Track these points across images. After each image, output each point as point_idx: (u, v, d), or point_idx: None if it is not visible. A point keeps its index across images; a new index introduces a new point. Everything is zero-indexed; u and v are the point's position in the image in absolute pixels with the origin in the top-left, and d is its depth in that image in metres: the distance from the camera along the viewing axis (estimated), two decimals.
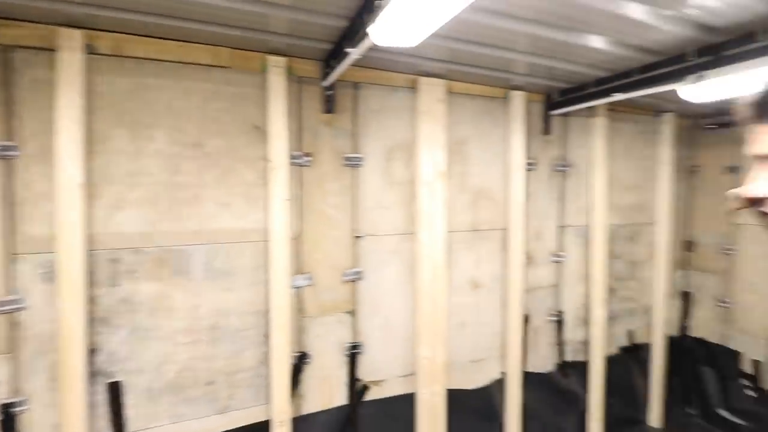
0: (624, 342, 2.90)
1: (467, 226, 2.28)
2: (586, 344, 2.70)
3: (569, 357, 2.66)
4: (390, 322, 2.11)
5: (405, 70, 2.01)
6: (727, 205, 1.14)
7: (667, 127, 2.84)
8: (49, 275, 1.49)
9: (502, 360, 2.41)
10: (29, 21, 1.43)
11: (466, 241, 2.28)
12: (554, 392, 2.64)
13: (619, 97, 1.99)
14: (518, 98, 2.31)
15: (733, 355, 2.93)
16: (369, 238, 2.04)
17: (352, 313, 2.03)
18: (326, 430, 1.98)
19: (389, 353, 2.11)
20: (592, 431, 2.67)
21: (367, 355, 2.05)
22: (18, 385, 1.48)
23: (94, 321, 1.57)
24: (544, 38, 1.64)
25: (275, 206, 1.76)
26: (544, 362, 2.59)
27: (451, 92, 2.15)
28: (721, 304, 2.97)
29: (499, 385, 2.41)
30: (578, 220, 2.64)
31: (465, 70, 2.00)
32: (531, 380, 2.49)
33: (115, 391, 1.60)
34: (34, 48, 1.45)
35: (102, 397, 1.59)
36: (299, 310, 1.91)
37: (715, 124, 2.94)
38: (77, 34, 1.47)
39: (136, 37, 1.57)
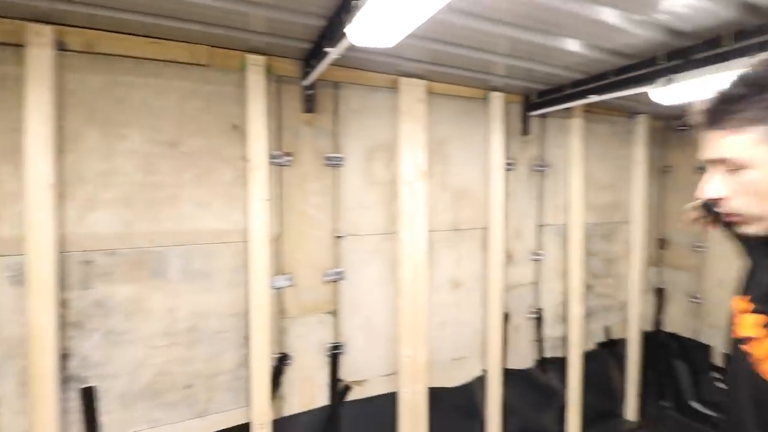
0: (601, 338, 2.98)
1: (448, 226, 2.31)
2: (564, 340, 2.76)
3: (548, 353, 2.71)
4: (371, 322, 2.11)
5: (385, 70, 2.01)
6: (685, 218, 1.19)
7: (641, 128, 2.93)
8: (19, 278, 1.44)
9: (483, 358, 2.44)
10: None
11: (447, 240, 2.31)
12: (534, 388, 2.69)
13: (594, 98, 2.04)
14: (497, 99, 2.35)
15: (705, 349, 3.03)
16: (350, 238, 2.04)
17: (333, 313, 2.02)
18: (308, 431, 1.97)
19: (371, 353, 2.12)
20: (570, 425, 2.73)
21: (348, 355, 2.05)
22: None
23: (66, 325, 1.52)
24: (522, 41, 1.67)
25: (255, 206, 1.75)
26: (524, 359, 2.64)
27: (431, 93, 2.16)
28: (693, 300, 3.07)
29: (480, 382, 2.44)
30: (556, 219, 2.70)
31: (445, 71, 2.02)
32: (511, 377, 2.53)
33: (88, 396, 1.56)
34: (2, 44, 1.40)
35: (75, 403, 1.55)
36: (280, 311, 1.90)
37: (686, 125, 3.04)
38: (47, 29, 1.43)
39: (109, 33, 1.54)
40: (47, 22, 1.43)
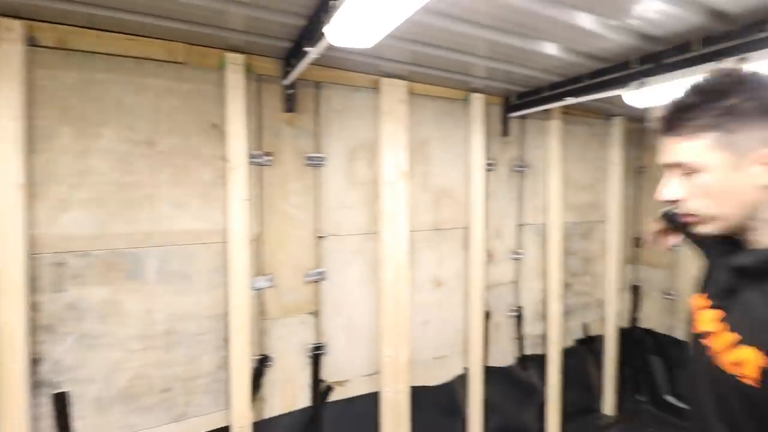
0: (579, 334, 3.04)
1: (430, 226, 2.32)
2: (544, 338, 2.81)
3: (528, 351, 2.76)
4: (353, 322, 2.11)
5: (367, 70, 2.02)
6: (649, 234, 1.26)
7: (617, 129, 3.00)
8: None
9: (465, 356, 2.47)
10: None
11: (428, 240, 2.32)
12: (515, 385, 2.73)
13: (571, 101, 2.09)
14: (478, 100, 2.38)
15: (679, 345, 3.12)
16: (332, 238, 2.04)
17: (315, 313, 2.01)
18: None
19: (353, 353, 2.12)
20: (550, 421, 2.78)
21: (330, 355, 2.05)
22: None
23: (37, 329, 1.48)
24: (501, 43, 1.70)
25: (234, 206, 1.73)
26: (504, 357, 2.68)
27: (412, 93, 2.18)
28: (667, 297, 3.17)
29: (461, 380, 2.46)
30: (536, 219, 2.75)
31: (426, 72, 2.04)
32: (492, 374, 2.56)
33: (60, 402, 1.52)
34: None
35: (47, 408, 1.50)
36: (260, 312, 1.88)
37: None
38: (17, 24, 1.38)
39: (83, 29, 1.50)
40: (17, 17, 1.39)
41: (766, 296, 0.68)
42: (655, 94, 1.69)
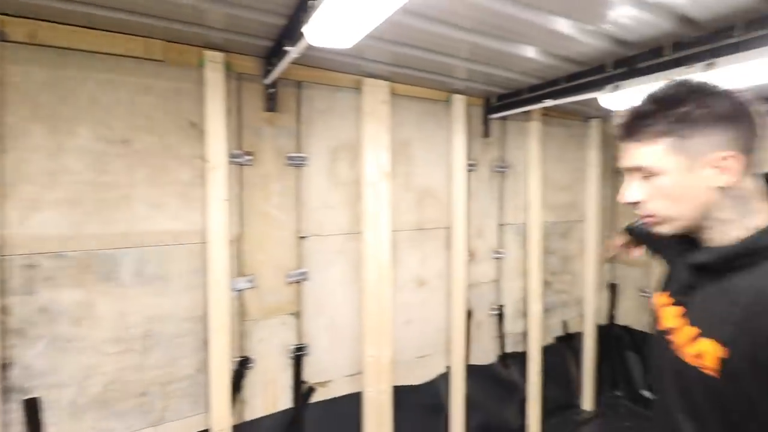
0: (559, 332, 3.10)
1: (412, 225, 2.34)
2: (524, 336, 2.86)
3: (509, 348, 2.80)
4: (336, 323, 2.11)
5: (349, 70, 2.02)
6: (613, 246, 1.38)
7: (595, 131, 3.08)
8: None
9: (447, 355, 2.49)
10: None
11: (411, 239, 2.34)
12: (496, 383, 2.76)
13: (549, 103, 2.13)
14: (459, 102, 2.40)
15: None
16: (314, 238, 2.03)
17: (296, 314, 2.00)
18: None
19: (335, 353, 2.11)
20: (530, 417, 2.82)
21: (312, 356, 2.04)
22: None
23: (6, 333, 1.43)
24: (482, 46, 1.72)
25: (213, 207, 1.70)
26: (486, 355, 2.71)
27: (394, 94, 2.19)
28: (643, 294, 3.25)
29: (444, 379, 2.48)
30: (516, 219, 2.79)
31: (408, 73, 2.05)
32: (474, 373, 2.59)
33: (32, 408, 1.47)
34: None
35: (17, 415, 1.46)
36: (241, 314, 1.86)
37: None
38: None
39: (56, 24, 1.46)
40: None
41: (722, 291, 0.72)
42: (630, 98, 1.73)
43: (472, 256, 2.58)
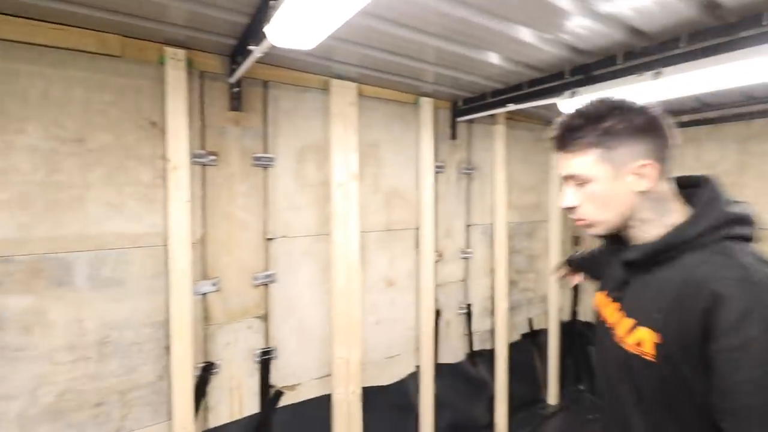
0: (525, 329, 3.20)
1: (381, 226, 2.35)
2: (492, 333, 2.93)
3: (477, 346, 2.86)
4: (304, 324, 2.09)
5: (317, 71, 2.01)
6: (557, 275, 1.52)
7: None
8: None
9: (416, 354, 2.52)
10: None
11: (380, 240, 2.35)
12: (465, 381, 2.81)
13: (512, 107, 2.20)
14: (427, 104, 2.44)
15: None
16: (281, 239, 2.01)
17: (263, 317, 1.97)
18: None
19: (304, 356, 2.09)
20: (498, 413, 2.89)
21: (280, 359, 2.01)
22: None
23: None
24: (448, 51, 1.76)
25: (175, 208, 1.65)
26: (455, 353, 2.76)
27: (363, 96, 2.20)
28: None
29: (414, 378, 2.51)
30: (483, 219, 2.86)
31: (376, 75, 2.06)
32: (444, 371, 2.63)
33: None
34: None
35: None
36: (205, 318, 1.81)
37: None
38: None
39: (3, 16, 1.38)
40: None
41: (650, 284, 0.81)
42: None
43: (440, 256, 2.62)
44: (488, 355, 2.91)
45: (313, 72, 2.01)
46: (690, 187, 0.84)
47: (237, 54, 1.67)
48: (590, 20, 1.47)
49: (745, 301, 0.66)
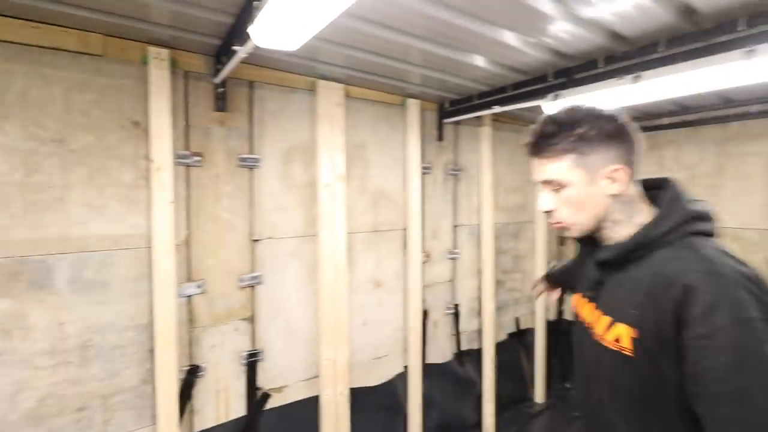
0: (512, 328, 3.23)
1: (368, 227, 2.35)
2: (479, 333, 2.96)
3: (465, 346, 2.88)
4: (291, 326, 2.08)
5: (303, 72, 2.01)
6: (536, 291, 1.56)
7: None
8: None
9: (404, 355, 2.52)
10: None
11: (367, 241, 2.35)
12: (453, 380, 2.83)
13: (497, 109, 2.22)
14: (414, 106, 2.46)
15: None
16: (267, 241, 2.00)
17: (250, 319, 1.96)
18: None
19: (291, 357, 2.08)
20: (486, 412, 2.92)
21: (267, 361, 2.00)
22: None
23: None
24: (434, 54, 1.77)
25: (158, 209, 1.63)
26: (443, 353, 2.77)
27: (350, 97, 2.20)
28: None
29: (402, 379, 2.51)
30: (470, 220, 2.88)
31: (363, 76, 2.07)
32: (432, 371, 2.64)
33: None
34: None
35: None
36: (190, 321, 1.80)
37: None
38: None
39: None
40: None
41: (624, 282, 0.84)
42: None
43: (427, 256, 2.64)
44: (476, 355, 2.94)
45: (299, 73, 2.01)
46: (654, 189, 0.88)
47: (222, 54, 1.66)
48: (572, 25, 1.50)
49: (713, 293, 0.69)
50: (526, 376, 3.34)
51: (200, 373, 1.82)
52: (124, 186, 1.61)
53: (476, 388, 2.92)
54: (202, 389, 1.83)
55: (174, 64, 1.67)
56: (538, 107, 2.03)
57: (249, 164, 1.92)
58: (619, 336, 0.81)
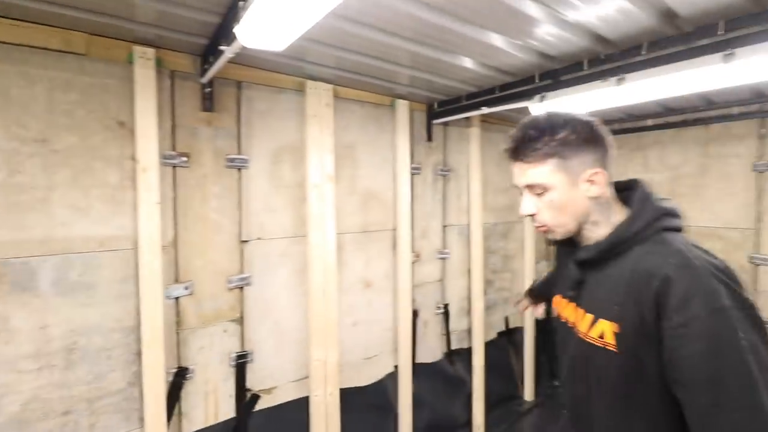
0: (501, 327, 3.26)
1: (358, 228, 2.36)
2: (469, 332, 2.98)
3: (455, 345, 2.90)
4: (281, 327, 2.08)
5: (291, 72, 2.00)
6: (521, 307, 1.58)
7: None
8: None
9: (394, 354, 2.53)
10: None
11: (357, 242, 2.36)
12: (443, 380, 2.85)
13: (485, 110, 2.24)
14: (403, 107, 2.46)
15: None
16: (256, 241, 1.99)
17: (239, 320, 1.95)
18: None
19: (281, 358, 2.08)
20: (476, 411, 2.94)
21: (256, 362, 1.99)
22: None
23: None
24: (422, 55, 1.78)
25: (144, 210, 1.62)
26: (433, 353, 2.79)
27: (339, 97, 2.20)
28: None
29: (392, 378, 2.52)
30: (459, 220, 2.90)
31: (352, 77, 2.07)
32: (422, 371, 2.66)
33: None
34: None
35: None
36: (177, 322, 1.78)
37: None
38: None
39: None
40: None
41: (604, 280, 0.86)
42: (555, 107, 1.87)
43: (417, 256, 2.65)
44: (465, 354, 2.96)
45: (287, 73, 2.00)
46: (624, 190, 0.92)
47: (208, 54, 1.65)
48: (558, 28, 1.52)
49: (688, 284, 0.72)
50: (516, 375, 3.37)
51: (188, 375, 1.80)
52: (109, 187, 1.59)
53: (466, 386, 2.94)
54: (190, 391, 1.81)
55: (160, 64, 1.66)
56: (526, 108, 2.05)
57: (237, 164, 1.91)
58: (602, 332, 0.83)
